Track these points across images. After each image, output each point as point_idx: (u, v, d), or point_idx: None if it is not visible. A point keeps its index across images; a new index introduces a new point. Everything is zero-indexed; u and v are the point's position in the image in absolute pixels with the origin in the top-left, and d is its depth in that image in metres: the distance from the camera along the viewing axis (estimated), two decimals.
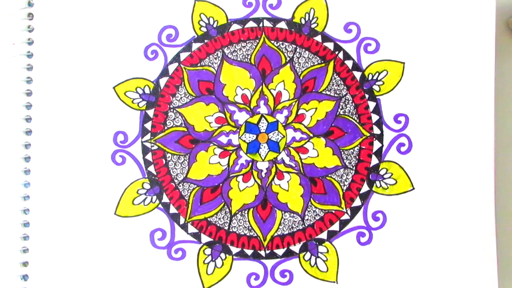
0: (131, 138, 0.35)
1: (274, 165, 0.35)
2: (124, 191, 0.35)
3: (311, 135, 0.35)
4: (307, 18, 0.36)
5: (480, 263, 0.34)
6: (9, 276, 0.34)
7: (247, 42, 0.36)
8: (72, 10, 0.36)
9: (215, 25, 0.36)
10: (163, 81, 0.36)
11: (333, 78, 0.36)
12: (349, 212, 0.35)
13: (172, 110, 0.36)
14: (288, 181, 0.35)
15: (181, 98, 0.36)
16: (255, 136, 0.36)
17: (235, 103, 0.36)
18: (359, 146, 0.35)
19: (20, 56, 0.36)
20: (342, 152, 0.35)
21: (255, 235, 0.35)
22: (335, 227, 0.35)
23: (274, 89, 0.36)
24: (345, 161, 0.35)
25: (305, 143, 0.35)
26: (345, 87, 0.36)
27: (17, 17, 0.36)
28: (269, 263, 0.35)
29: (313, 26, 0.36)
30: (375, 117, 0.36)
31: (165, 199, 0.35)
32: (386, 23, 0.36)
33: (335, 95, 0.36)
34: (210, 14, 0.36)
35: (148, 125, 0.35)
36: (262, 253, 0.35)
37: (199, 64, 0.36)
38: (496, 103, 0.35)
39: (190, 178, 0.35)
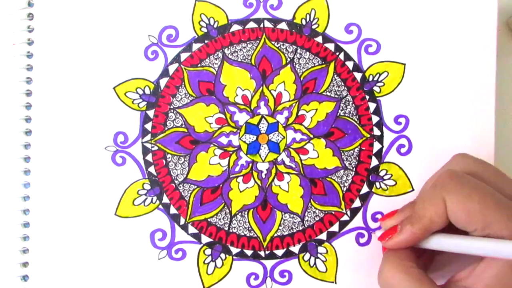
0: (131, 138, 0.35)
1: (274, 166, 0.35)
2: (124, 191, 0.35)
3: (311, 136, 0.36)
4: (307, 19, 0.36)
5: None
6: (9, 277, 0.34)
7: (248, 42, 0.36)
8: (72, 11, 0.36)
9: (215, 26, 0.36)
10: (163, 82, 0.36)
11: (333, 79, 0.36)
12: (348, 213, 0.35)
13: (172, 110, 0.36)
14: (288, 182, 0.35)
15: (181, 98, 0.36)
16: (255, 137, 0.36)
17: (236, 103, 0.36)
18: (359, 147, 0.36)
19: (20, 56, 0.36)
20: (342, 153, 0.35)
21: (255, 235, 0.35)
22: (335, 228, 0.35)
23: (275, 90, 0.36)
24: (345, 162, 0.35)
25: (305, 144, 0.36)
26: (345, 88, 0.36)
27: (17, 17, 0.36)
28: (269, 263, 0.35)
29: (314, 27, 0.36)
30: (375, 118, 0.36)
31: (166, 199, 0.35)
32: (387, 24, 0.36)
33: (336, 96, 0.36)
34: (211, 14, 0.36)
35: (148, 126, 0.35)
36: (262, 253, 0.35)
37: (199, 65, 0.36)
38: (496, 104, 0.35)
39: (190, 179, 0.35)
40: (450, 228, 0.29)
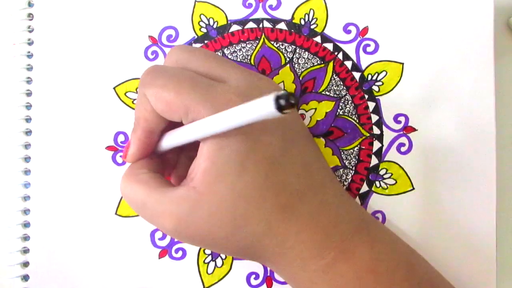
0: None
1: None
2: None
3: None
4: (306, 19, 0.36)
5: (479, 264, 0.35)
6: (10, 277, 0.34)
7: (247, 42, 0.36)
8: (72, 11, 0.36)
9: (215, 26, 0.36)
10: None
11: (332, 78, 0.36)
12: None
13: None
14: None
15: None
16: None
17: None
18: (358, 146, 0.36)
19: (20, 57, 0.36)
20: (342, 152, 0.36)
21: None
22: None
23: None
24: (344, 161, 0.35)
25: None
26: (344, 88, 0.36)
27: (17, 17, 0.36)
28: None
29: (312, 27, 0.36)
30: (374, 117, 0.36)
31: None
32: (385, 24, 0.36)
33: (335, 95, 0.36)
34: (210, 15, 0.36)
35: None
36: None
37: None
38: (496, 103, 0.35)
39: None
40: None
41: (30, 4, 0.36)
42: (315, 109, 0.36)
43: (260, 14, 0.36)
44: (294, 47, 0.36)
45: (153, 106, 0.28)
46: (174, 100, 0.26)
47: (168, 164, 0.32)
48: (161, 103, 0.27)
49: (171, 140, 0.29)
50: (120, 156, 0.35)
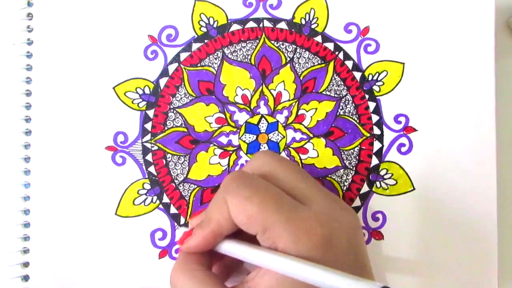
0: (131, 138, 0.35)
1: None
2: (124, 191, 0.35)
3: (311, 135, 0.36)
4: (307, 19, 0.36)
5: (481, 264, 0.35)
6: (10, 277, 0.34)
7: (247, 42, 0.36)
8: (72, 10, 0.36)
9: (215, 25, 0.36)
10: (163, 81, 0.36)
11: (333, 78, 0.36)
12: None
13: (172, 110, 0.36)
14: None
15: (181, 98, 0.36)
16: (255, 136, 0.36)
17: (235, 103, 0.36)
18: (359, 146, 0.36)
19: (19, 56, 0.36)
20: (342, 153, 0.35)
21: None
22: None
23: (274, 90, 0.36)
24: (345, 161, 0.35)
25: (305, 143, 0.36)
26: (345, 88, 0.36)
27: (17, 17, 0.36)
28: None
29: (313, 26, 0.36)
30: (375, 118, 0.36)
31: (166, 199, 0.35)
32: (386, 24, 0.36)
33: (335, 95, 0.36)
34: (210, 14, 0.36)
35: (148, 126, 0.35)
36: None
37: (199, 64, 0.36)
38: (496, 103, 0.35)
39: (190, 179, 0.35)
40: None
41: (29, 4, 0.36)
42: (316, 109, 0.36)
43: (260, 13, 0.36)
44: (295, 46, 0.36)
45: (232, 215, 0.27)
46: (256, 215, 0.26)
47: (216, 255, 0.31)
48: (241, 214, 0.26)
49: (235, 250, 0.28)
50: (121, 156, 0.35)
